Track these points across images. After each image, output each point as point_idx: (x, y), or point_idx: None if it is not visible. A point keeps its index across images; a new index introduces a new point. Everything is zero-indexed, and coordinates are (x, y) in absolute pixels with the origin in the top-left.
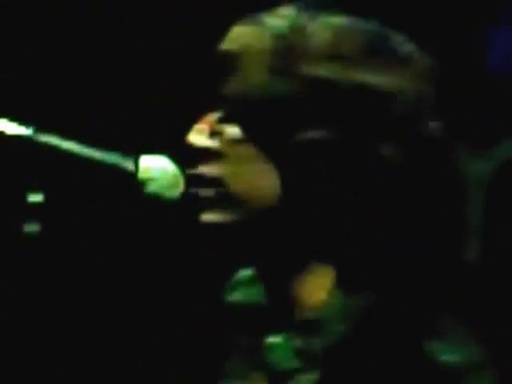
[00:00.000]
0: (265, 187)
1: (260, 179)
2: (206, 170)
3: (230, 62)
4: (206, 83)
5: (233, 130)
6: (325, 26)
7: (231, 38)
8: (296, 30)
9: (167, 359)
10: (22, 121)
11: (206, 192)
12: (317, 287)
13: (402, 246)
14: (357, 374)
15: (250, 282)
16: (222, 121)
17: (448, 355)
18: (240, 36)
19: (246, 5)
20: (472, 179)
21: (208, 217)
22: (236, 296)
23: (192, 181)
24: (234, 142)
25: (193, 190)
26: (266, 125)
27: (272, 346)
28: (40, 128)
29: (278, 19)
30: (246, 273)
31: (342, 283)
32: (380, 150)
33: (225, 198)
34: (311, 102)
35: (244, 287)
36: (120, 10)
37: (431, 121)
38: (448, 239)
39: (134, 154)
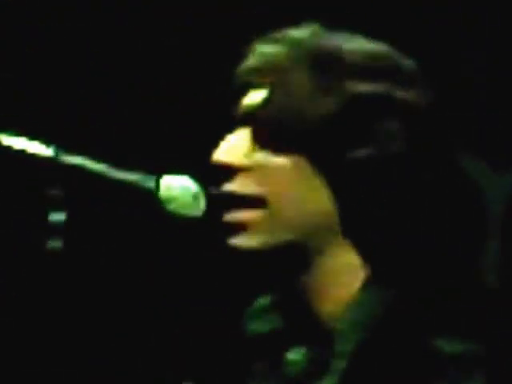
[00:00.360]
0: (316, 206)
1: (311, 197)
2: (243, 189)
3: (262, 79)
4: (225, 102)
5: (270, 149)
6: (351, 42)
7: (258, 55)
8: (327, 45)
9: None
10: (44, 140)
11: (242, 214)
12: (333, 300)
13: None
14: (374, 381)
15: (269, 309)
16: (258, 138)
17: (452, 347)
18: (268, 52)
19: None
20: (489, 196)
21: (239, 241)
22: (255, 326)
23: (219, 200)
24: (273, 159)
25: (218, 211)
26: (316, 141)
27: (289, 361)
28: (62, 147)
29: (303, 32)
30: (263, 301)
31: (372, 280)
32: (416, 163)
33: (264, 219)
34: (357, 118)
35: (263, 315)
36: (149, 31)
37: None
38: (466, 251)
39: (156, 173)
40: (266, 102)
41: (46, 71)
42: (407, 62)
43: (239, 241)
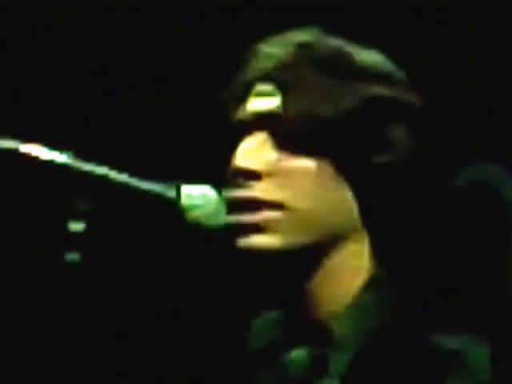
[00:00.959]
0: (341, 209)
1: (331, 200)
2: (267, 194)
3: (270, 80)
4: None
5: (285, 152)
6: (354, 47)
7: (268, 57)
8: (333, 47)
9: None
10: (63, 149)
11: (263, 214)
12: (334, 300)
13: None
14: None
15: (273, 325)
16: (278, 143)
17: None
18: (276, 54)
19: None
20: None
21: (259, 240)
22: (259, 342)
23: (234, 206)
24: (292, 163)
25: (235, 216)
26: (337, 143)
27: (291, 361)
28: (81, 155)
29: (306, 35)
30: (268, 316)
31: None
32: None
33: (284, 220)
34: (374, 119)
35: (266, 332)
36: (159, 39)
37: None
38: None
39: (176, 182)
40: (283, 104)
41: (65, 78)
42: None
43: (260, 240)
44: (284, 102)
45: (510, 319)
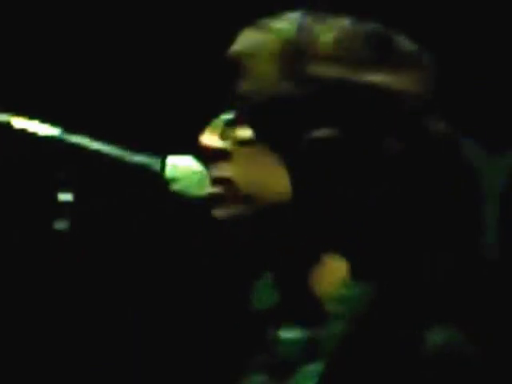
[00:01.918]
0: (275, 186)
1: (270, 178)
2: (217, 170)
3: (239, 64)
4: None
5: (243, 132)
6: (330, 28)
7: (240, 42)
8: (302, 32)
9: (189, 357)
10: (50, 121)
11: (217, 190)
12: (329, 280)
13: (413, 240)
14: (361, 365)
15: (272, 285)
16: (233, 122)
17: (436, 338)
18: (249, 39)
19: (257, 9)
20: (487, 178)
21: (218, 213)
22: (259, 300)
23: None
24: (244, 142)
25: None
26: (275, 125)
27: (282, 340)
28: (68, 128)
29: (285, 22)
30: (268, 276)
31: (352, 274)
32: (386, 146)
33: (236, 196)
34: (319, 102)
35: (266, 291)
36: (140, 11)
37: (437, 118)
38: (463, 236)
39: (161, 153)
40: (239, 87)
41: (52, 52)
42: (401, 44)
43: (216, 212)
44: (239, 85)
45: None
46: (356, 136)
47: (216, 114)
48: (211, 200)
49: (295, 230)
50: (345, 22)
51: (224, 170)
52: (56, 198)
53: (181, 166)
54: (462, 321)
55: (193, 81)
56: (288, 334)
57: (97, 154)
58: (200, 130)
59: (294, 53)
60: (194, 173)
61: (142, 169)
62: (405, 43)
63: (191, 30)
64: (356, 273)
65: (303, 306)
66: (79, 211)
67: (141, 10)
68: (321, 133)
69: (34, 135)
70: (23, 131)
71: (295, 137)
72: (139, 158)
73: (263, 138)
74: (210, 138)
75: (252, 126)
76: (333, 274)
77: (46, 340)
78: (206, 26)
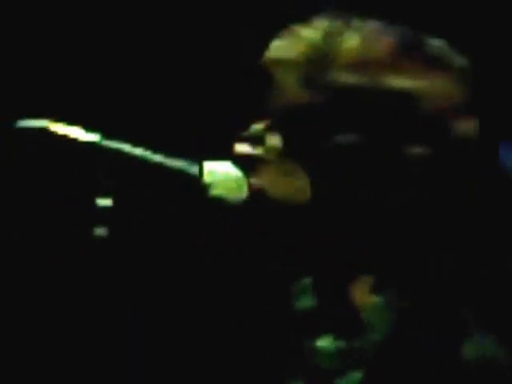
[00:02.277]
0: (296, 190)
1: (292, 183)
2: (253, 176)
3: (270, 74)
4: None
5: (273, 139)
6: (356, 33)
7: (270, 51)
8: (328, 40)
9: (230, 358)
10: (89, 127)
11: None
12: (361, 291)
13: (439, 249)
14: (397, 373)
15: (310, 289)
16: (265, 129)
17: (473, 353)
18: (277, 49)
19: (286, 17)
20: None
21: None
22: (302, 302)
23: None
24: (274, 149)
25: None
26: (300, 132)
27: (319, 349)
28: (108, 134)
29: (312, 30)
30: (306, 280)
31: (382, 286)
32: (410, 152)
33: (266, 200)
34: (342, 108)
35: (305, 296)
36: (174, 20)
37: (466, 121)
38: (492, 245)
39: (199, 159)
40: (269, 95)
41: (92, 59)
42: (431, 47)
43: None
44: (268, 95)
45: None
46: (380, 141)
47: (251, 121)
48: (249, 205)
49: (317, 234)
50: (371, 26)
51: (259, 177)
52: (95, 203)
53: (219, 172)
54: (497, 330)
55: (229, 88)
56: (325, 343)
57: (136, 159)
58: (235, 136)
59: (319, 60)
60: (232, 178)
61: (181, 174)
62: (435, 46)
63: (228, 38)
64: (383, 280)
65: (341, 313)
66: (118, 217)
67: (176, 21)
68: (345, 138)
69: (73, 141)
70: (63, 137)
71: (319, 143)
72: (178, 164)
73: (289, 144)
74: (243, 146)
75: (279, 133)
76: (368, 282)
77: (59, 339)
78: (243, 35)
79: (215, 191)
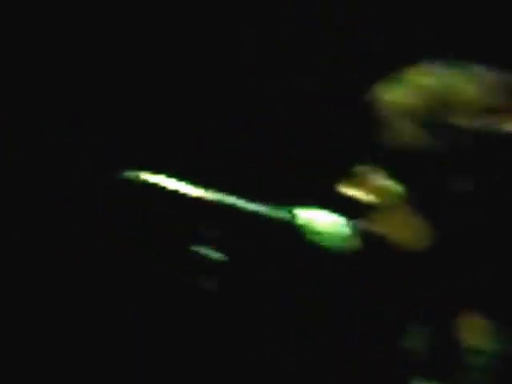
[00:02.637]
0: (417, 236)
1: (413, 229)
2: (364, 223)
3: (379, 116)
4: (356, 135)
5: (385, 183)
6: (471, 79)
7: (380, 94)
8: (445, 87)
9: None
10: (172, 174)
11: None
12: (473, 332)
13: None
14: None
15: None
16: (373, 172)
17: None
18: (389, 92)
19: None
20: None
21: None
22: (412, 342)
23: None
24: (386, 194)
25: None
26: (418, 176)
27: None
28: (208, 185)
29: (427, 76)
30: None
31: (495, 327)
32: None
33: (381, 246)
34: (460, 152)
35: (415, 337)
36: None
37: None
38: None
39: (294, 205)
40: (378, 138)
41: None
42: None
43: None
44: (376, 137)
45: None
46: (496, 184)
47: (347, 164)
48: (357, 252)
49: (433, 277)
50: (483, 72)
51: (371, 223)
52: (200, 256)
53: (321, 219)
54: None
55: (324, 128)
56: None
57: (239, 210)
58: (334, 179)
59: (437, 106)
60: (336, 225)
61: (282, 223)
62: None
63: (327, 81)
64: (500, 326)
65: (445, 354)
66: (227, 270)
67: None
68: (463, 183)
69: (173, 192)
70: (163, 189)
71: (437, 188)
72: (280, 213)
73: (406, 189)
74: (348, 188)
75: (394, 177)
76: (476, 325)
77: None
78: (340, 78)
79: (318, 239)
